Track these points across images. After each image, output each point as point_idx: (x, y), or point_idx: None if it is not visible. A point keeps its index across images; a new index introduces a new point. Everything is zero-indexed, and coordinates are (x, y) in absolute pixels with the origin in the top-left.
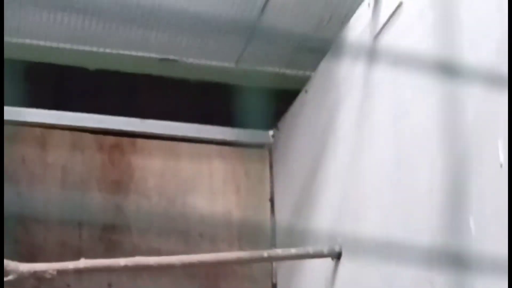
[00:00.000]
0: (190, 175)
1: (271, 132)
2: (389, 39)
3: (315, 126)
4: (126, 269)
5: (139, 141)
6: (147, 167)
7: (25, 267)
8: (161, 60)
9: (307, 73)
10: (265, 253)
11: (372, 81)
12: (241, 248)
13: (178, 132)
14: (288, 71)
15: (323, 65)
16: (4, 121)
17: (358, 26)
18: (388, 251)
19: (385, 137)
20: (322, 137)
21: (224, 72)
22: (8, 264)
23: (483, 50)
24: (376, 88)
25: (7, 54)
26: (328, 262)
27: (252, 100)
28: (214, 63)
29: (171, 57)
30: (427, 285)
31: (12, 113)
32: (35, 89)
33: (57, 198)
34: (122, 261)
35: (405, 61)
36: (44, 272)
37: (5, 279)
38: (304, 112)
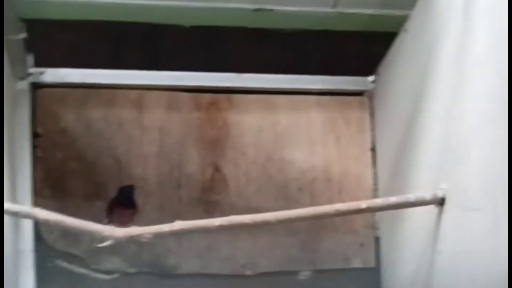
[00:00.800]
0: (288, 128)
1: (371, 78)
2: None
3: (415, 67)
4: (221, 228)
5: (235, 96)
6: (243, 123)
7: (121, 232)
8: (255, 10)
9: (405, 12)
10: (363, 204)
11: (472, 12)
12: (342, 201)
13: (275, 85)
14: (385, 12)
15: (421, 1)
16: (101, 85)
17: None
18: (493, 192)
19: (487, 71)
20: (422, 77)
21: (320, 18)
22: (104, 229)
23: None
24: (476, 19)
25: (99, 15)
26: (431, 209)
27: (350, 45)
28: (309, 9)
29: (265, 6)
30: None
31: (107, 76)
32: (129, 50)
33: (155, 161)
34: (216, 221)
35: None
36: (140, 236)
37: (102, 244)
38: (404, 53)
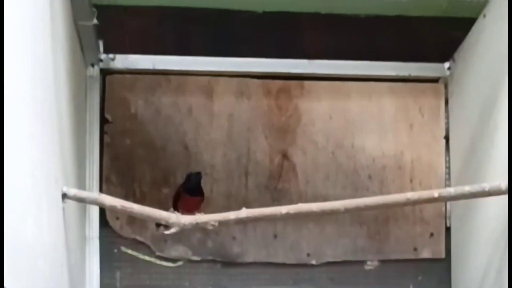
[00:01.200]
0: (359, 115)
1: (446, 65)
2: None
3: (493, 53)
4: (288, 216)
5: (307, 83)
6: (314, 109)
7: (187, 219)
8: None
9: None
10: (435, 193)
11: None
12: (413, 190)
13: (347, 71)
14: None
15: None
16: (171, 72)
17: None
18: None
19: None
20: (500, 65)
21: (396, 3)
22: (170, 216)
23: None
24: None
25: (170, 1)
26: (506, 199)
27: (426, 31)
28: None
29: None
30: None
31: (178, 63)
32: (200, 36)
33: (223, 147)
34: (283, 209)
35: None
36: (206, 223)
37: (168, 231)
38: (482, 39)
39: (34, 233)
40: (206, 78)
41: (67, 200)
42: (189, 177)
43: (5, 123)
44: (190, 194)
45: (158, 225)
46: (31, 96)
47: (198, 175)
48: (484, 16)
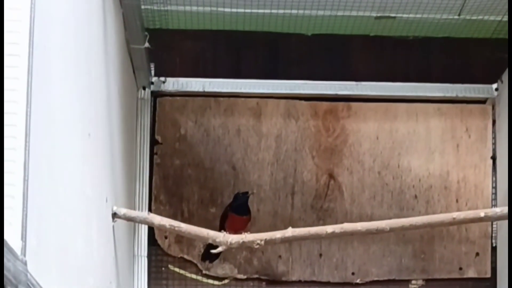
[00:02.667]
0: (406, 135)
1: (494, 86)
2: None
3: None
4: (333, 236)
5: (354, 104)
6: (361, 130)
7: (234, 238)
8: (378, 18)
9: None
10: (481, 213)
11: None
12: (459, 210)
13: (395, 93)
14: None
15: None
16: (221, 94)
17: None
18: None
19: None
20: None
21: (445, 25)
22: (218, 235)
23: None
24: None
25: (221, 25)
26: None
27: (474, 52)
28: (434, 16)
29: (388, 14)
30: None
31: (228, 85)
32: (250, 59)
33: (271, 168)
34: (329, 228)
35: None
36: (252, 242)
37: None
38: None
39: (85, 251)
40: (254, 100)
41: (117, 219)
42: (236, 196)
43: (58, 142)
44: (237, 214)
45: (204, 258)
46: (83, 117)
47: (245, 195)
48: None
